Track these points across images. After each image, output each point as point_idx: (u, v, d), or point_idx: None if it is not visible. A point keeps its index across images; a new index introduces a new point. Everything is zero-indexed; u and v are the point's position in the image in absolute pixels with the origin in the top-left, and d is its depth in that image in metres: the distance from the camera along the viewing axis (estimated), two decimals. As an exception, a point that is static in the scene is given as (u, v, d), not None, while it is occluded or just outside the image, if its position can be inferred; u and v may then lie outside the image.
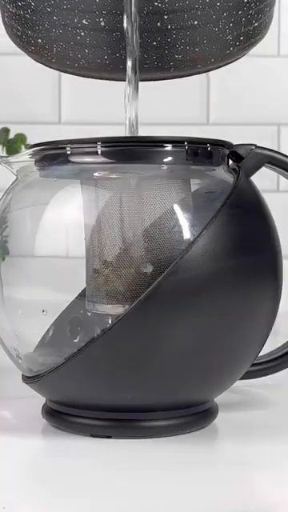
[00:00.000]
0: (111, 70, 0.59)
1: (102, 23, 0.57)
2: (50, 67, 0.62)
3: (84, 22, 0.57)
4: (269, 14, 0.60)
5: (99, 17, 0.57)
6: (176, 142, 0.49)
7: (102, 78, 0.62)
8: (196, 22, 0.57)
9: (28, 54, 0.61)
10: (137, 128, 0.54)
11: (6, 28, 0.60)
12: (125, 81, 0.54)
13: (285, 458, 0.47)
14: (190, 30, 0.57)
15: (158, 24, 0.57)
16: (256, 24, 0.57)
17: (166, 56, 0.59)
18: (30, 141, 0.80)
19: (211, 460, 0.46)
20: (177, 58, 0.59)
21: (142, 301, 0.45)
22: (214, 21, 0.56)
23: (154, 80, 0.62)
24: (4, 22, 0.59)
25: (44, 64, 0.62)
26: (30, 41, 0.60)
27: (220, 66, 0.61)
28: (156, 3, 0.56)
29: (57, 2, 0.56)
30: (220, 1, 0.55)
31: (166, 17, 0.57)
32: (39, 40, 0.59)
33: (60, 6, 0.56)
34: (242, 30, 0.57)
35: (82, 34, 0.58)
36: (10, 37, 0.60)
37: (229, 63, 0.61)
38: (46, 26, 0.58)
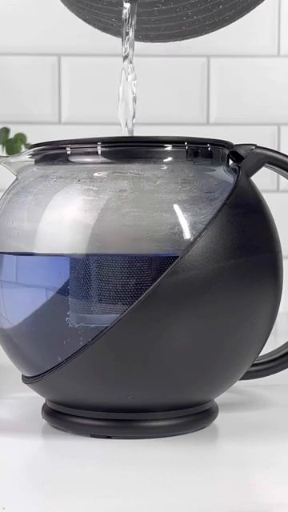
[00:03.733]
0: None
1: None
2: None
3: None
4: None
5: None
6: (176, 142, 0.49)
7: None
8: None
9: None
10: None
11: None
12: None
13: (285, 458, 0.47)
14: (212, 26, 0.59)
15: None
16: None
17: (186, 37, 0.61)
18: (30, 141, 0.80)
19: (211, 460, 0.46)
20: (195, 36, 0.61)
21: (142, 301, 0.45)
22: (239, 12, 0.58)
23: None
24: None
25: None
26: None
27: None
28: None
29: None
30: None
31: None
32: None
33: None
34: None
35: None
36: None
37: None
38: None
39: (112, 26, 0.62)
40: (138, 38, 0.59)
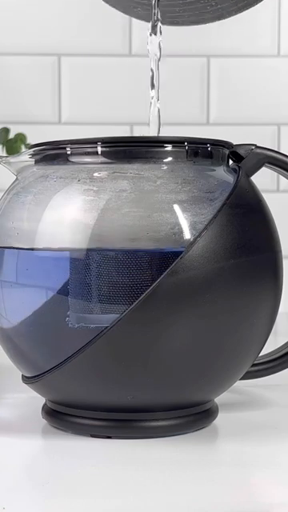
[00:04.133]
0: None
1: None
2: None
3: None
4: None
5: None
6: (176, 142, 0.49)
7: None
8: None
9: None
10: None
11: None
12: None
13: (285, 458, 0.47)
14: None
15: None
16: None
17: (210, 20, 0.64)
18: (30, 141, 0.80)
19: (211, 460, 0.46)
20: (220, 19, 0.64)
21: (142, 301, 0.45)
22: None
23: None
24: None
25: None
26: None
27: None
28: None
29: None
30: None
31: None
32: None
33: None
34: None
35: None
36: None
37: None
38: None
39: (136, 13, 0.63)
40: (164, 22, 0.59)
